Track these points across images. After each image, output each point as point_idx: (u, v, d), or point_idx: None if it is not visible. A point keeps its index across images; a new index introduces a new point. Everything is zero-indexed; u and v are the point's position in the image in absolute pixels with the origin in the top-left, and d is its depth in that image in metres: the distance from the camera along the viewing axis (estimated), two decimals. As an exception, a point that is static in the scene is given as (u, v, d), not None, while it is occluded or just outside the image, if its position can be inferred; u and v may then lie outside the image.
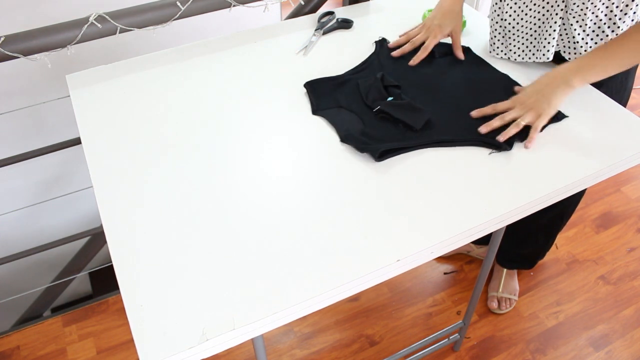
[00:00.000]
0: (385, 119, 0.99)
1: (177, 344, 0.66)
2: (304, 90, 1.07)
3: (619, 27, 1.00)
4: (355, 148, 0.93)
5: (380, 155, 0.90)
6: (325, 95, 1.04)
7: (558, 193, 0.88)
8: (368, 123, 0.98)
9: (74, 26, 1.18)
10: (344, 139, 0.95)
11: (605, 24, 1.00)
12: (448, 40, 1.19)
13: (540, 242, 1.62)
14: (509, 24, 1.11)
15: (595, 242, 1.90)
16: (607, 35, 1.01)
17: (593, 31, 1.01)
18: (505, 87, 1.06)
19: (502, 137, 0.93)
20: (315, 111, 1.02)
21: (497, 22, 1.13)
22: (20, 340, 1.63)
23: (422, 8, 1.32)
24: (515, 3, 1.08)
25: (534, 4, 1.05)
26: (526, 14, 1.07)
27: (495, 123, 0.95)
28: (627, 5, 0.98)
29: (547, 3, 1.03)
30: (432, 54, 1.17)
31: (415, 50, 1.16)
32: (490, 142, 0.94)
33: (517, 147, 0.94)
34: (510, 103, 0.97)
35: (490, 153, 0.93)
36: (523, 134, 0.95)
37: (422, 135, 0.96)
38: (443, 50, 1.18)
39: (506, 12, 1.10)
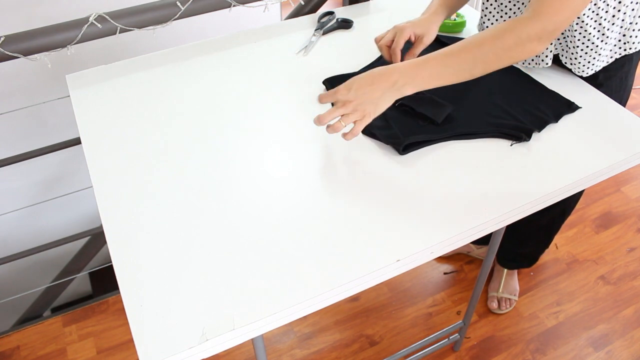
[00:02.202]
0: (406, 113, 1.00)
1: (177, 344, 0.66)
2: (304, 90, 1.08)
3: (613, 25, 1.00)
4: (381, 141, 0.95)
5: (404, 148, 0.92)
6: None
7: (558, 193, 0.88)
8: (390, 117, 0.99)
9: (74, 26, 1.18)
10: (366, 132, 0.97)
11: (603, 26, 1.00)
12: (463, 35, 1.21)
13: (541, 241, 1.62)
14: None
15: (595, 242, 1.90)
16: (607, 36, 1.01)
17: (591, 34, 1.01)
18: (521, 81, 1.07)
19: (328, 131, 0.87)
20: None
21: (487, 25, 1.13)
22: (20, 340, 1.63)
23: (422, 8, 1.31)
24: (510, 9, 1.07)
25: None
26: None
27: (325, 120, 0.85)
28: (620, 2, 0.98)
29: None
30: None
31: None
32: (511, 133, 0.96)
33: (517, 147, 0.94)
34: (331, 97, 0.86)
35: (511, 144, 0.95)
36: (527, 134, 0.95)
37: (444, 128, 0.97)
38: None
39: (499, 14, 1.10)
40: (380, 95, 0.84)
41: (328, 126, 0.86)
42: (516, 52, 0.84)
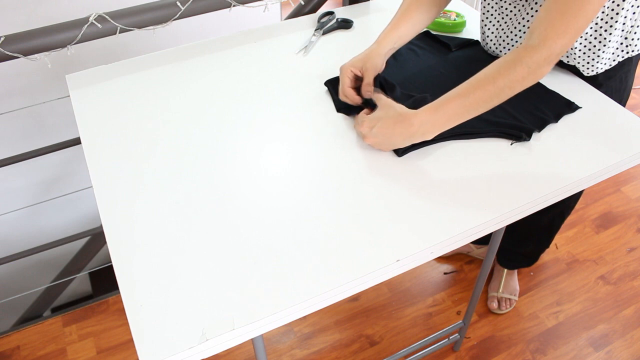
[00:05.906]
0: None
1: (177, 344, 0.66)
2: (304, 90, 1.08)
3: (612, 27, 1.00)
4: None
5: (403, 151, 0.92)
6: None
7: (558, 193, 0.88)
8: None
9: (74, 26, 1.18)
10: None
11: (602, 27, 1.00)
12: (463, 35, 1.22)
13: (541, 241, 1.62)
14: (503, 29, 1.10)
15: (595, 242, 1.90)
16: (604, 38, 1.01)
17: (590, 35, 1.01)
18: None
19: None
20: (339, 109, 1.03)
21: (487, 27, 1.13)
22: (20, 340, 1.63)
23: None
24: (511, 11, 1.07)
25: (531, 7, 1.04)
26: (521, 20, 1.07)
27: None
28: (618, 5, 0.98)
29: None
30: (447, 47, 1.19)
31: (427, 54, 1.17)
32: (511, 132, 0.96)
33: (517, 147, 0.94)
34: (356, 127, 0.95)
35: (511, 144, 0.95)
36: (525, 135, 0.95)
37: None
38: (458, 44, 1.19)
39: (500, 15, 1.10)
40: (398, 141, 0.91)
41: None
42: (528, 81, 0.86)
